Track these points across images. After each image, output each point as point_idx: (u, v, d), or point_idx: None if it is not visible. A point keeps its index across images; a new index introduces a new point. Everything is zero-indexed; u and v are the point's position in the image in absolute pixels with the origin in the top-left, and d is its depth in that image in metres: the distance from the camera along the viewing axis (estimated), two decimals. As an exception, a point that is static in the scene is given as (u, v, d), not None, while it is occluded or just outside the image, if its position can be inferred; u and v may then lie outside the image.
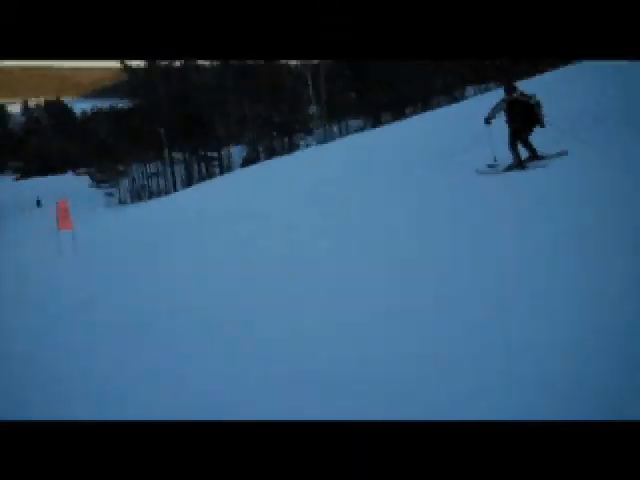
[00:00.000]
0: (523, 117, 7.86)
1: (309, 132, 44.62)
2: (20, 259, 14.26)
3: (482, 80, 34.13)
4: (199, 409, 2.73)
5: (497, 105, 8.22)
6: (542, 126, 7.83)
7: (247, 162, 41.98)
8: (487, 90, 28.40)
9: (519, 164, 7.85)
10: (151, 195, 43.08)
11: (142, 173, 44.95)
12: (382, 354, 3.02)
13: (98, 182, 44.73)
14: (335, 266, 5.10)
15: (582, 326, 2.79)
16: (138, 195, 43.95)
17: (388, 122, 31.85)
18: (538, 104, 7.82)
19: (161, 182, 44.49)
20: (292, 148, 42.92)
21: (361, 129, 38.67)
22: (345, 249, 5.73)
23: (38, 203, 41.11)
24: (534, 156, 7.92)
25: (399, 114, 36.88)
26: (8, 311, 6.61)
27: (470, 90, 37.04)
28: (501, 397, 2.36)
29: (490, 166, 8.18)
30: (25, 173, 51.24)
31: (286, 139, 44.70)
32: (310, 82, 40.38)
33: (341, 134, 41.06)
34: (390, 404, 2.49)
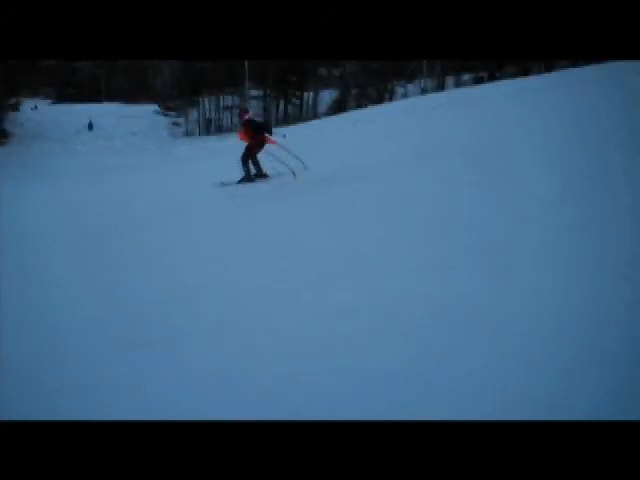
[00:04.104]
0: (255, 135, 10.23)
1: (410, 80, 43.56)
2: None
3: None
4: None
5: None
6: (270, 134, 10.36)
7: (335, 108, 41.94)
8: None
9: (249, 178, 10.36)
10: (219, 129, 44.31)
11: (214, 105, 46.03)
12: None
13: (165, 109, 46.16)
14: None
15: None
16: (207, 128, 45.27)
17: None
18: (267, 122, 10.65)
19: (234, 118, 45.61)
20: (387, 96, 42.38)
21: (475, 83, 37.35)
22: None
23: (90, 126, 42.28)
24: (260, 174, 10.46)
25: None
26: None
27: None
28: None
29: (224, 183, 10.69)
30: (59, 99, 51.95)
31: (381, 86, 44.00)
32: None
33: (456, 86, 39.84)
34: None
